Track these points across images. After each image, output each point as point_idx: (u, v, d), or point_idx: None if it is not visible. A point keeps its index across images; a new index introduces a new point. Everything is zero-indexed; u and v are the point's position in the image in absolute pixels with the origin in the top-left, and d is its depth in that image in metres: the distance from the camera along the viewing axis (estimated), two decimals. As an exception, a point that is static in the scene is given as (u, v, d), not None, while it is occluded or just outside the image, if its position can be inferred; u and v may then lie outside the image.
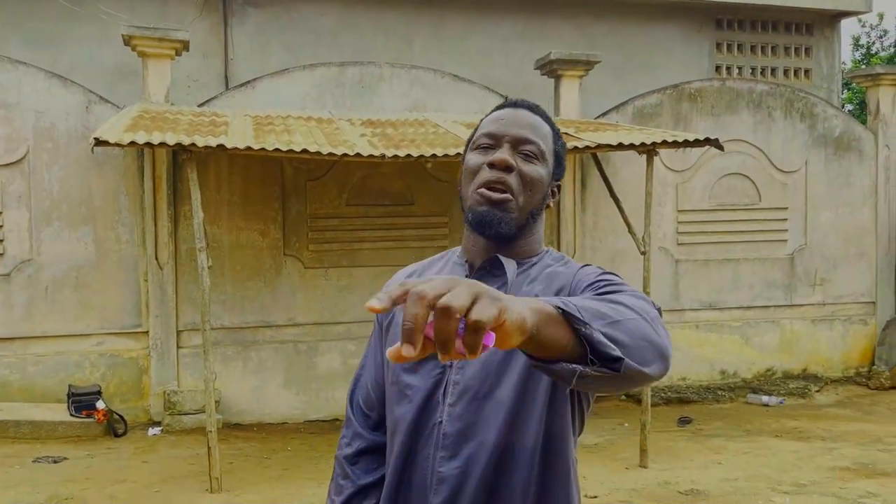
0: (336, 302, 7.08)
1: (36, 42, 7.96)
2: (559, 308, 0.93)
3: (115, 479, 5.24)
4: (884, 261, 8.58)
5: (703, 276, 8.05)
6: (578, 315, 0.94)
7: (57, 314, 6.57)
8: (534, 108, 1.41)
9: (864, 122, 8.90)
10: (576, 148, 5.64)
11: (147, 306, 6.69)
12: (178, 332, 6.73)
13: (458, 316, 0.77)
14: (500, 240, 1.34)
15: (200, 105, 6.96)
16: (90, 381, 6.55)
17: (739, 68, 10.24)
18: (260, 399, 6.90)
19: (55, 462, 5.59)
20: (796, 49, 10.44)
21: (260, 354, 6.93)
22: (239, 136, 5.43)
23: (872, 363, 8.48)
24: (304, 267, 7.01)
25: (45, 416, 6.23)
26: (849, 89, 14.77)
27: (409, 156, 5.46)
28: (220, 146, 5.08)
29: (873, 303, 8.57)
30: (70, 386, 6.40)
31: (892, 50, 16.45)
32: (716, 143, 5.87)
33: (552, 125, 1.41)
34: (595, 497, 4.88)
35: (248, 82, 7.21)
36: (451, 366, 1.32)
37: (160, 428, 6.43)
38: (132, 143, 5.01)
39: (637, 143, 5.79)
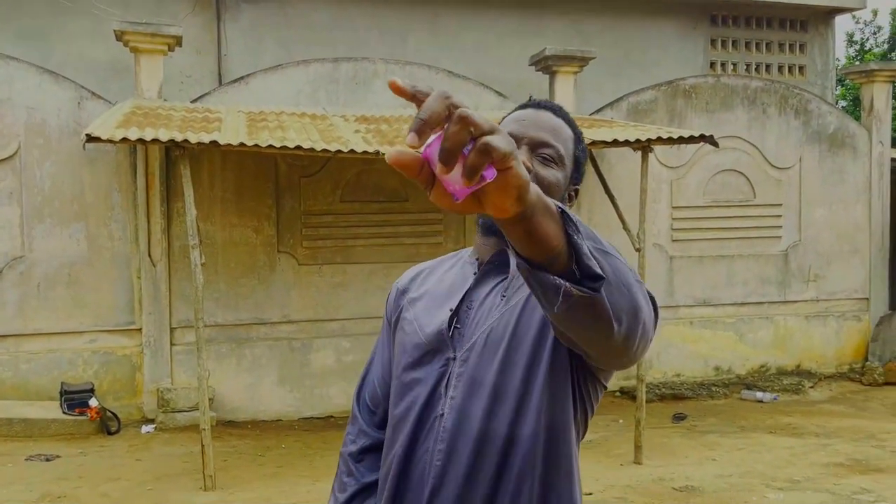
0: (330, 299, 7.06)
1: (28, 37, 7.90)
2: (559, 208, 0.92)
3: (108, 478, 5.22)
4: (877, 257, 8.60)
5: (697, 272, 8.05)
6: (575, 222, 0.92)
7: (49, 311, 6.53)
8: (557, 111, 1.38)
9: (857, 119, 8.92)
10: (570, 144, 5.62)
11: (140, 303, 6.66)
12: (172, 330, 6.70)
13: (471, 129, 0.75)
14: None
15: (193, 101, 6.92)
16: (83, 378, 6.52)
17: (734, 65, 10.24)
18: (254, 396, 6.88)
19: (48, 460, 5.56)
20: (791, 45, 10.44)
21: (254, 352, 6.91)
22: (232, 133, 5.40)
23: (866, 359, 8.50)
24: (298, 264, 6.99)
25: (37, 413, 6.20)
26: (842, 86, 14.80)
27: (403, 152, 5.43)
28: (214, 142, 5.05)
29: (867, 299, 8.59)
30: (63, 383, 6.37)
31: (885, 46, 16.48)
32: (710, 140, 5.86)
33: (575, 129, 1.39)
34: (590, 494, 4.88)
35: (242, 78, 7.18)
36: (454, 358, 1.31)
37: (153, 426, 6.40)
38: (124, 140, 4.98)
39: (632, 139, 5.78)
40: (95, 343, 6.63)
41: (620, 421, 6.68)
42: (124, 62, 7.12)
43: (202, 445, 4.97)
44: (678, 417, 6.94)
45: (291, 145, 5.19)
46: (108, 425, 6.27)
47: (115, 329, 6.66)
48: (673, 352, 7.87)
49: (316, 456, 5.75)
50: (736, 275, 8.15)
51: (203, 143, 5.05)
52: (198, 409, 5.36)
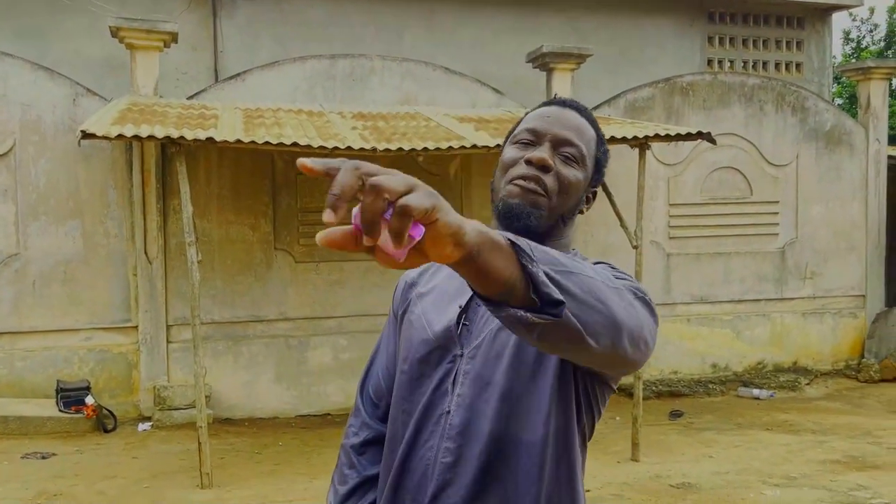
0: (327, 296, 7.05)
1: (23, 34, 7.87)
2: (510, 240, 0.90)
3: (104, 475, 5.20)
4: (873, 254, 8.62)
5: (694, 269, 8.06)
6: (527, 250, 0.90)
7: (45, 309, 6.51)
8: (582, 111, 1.37)
9: (854, 116, 8.92)
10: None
11: (136, 301, 6.64)
12: (168, 327, 6.68)
13: (386, 196, 0.74)
14: (527, 235, 1.31)
15: (189, 98, 6.90)
16: (79, 376, 6.50)
17: (731, 62, 10.25)
18: (251, 394, 6.86)
19: (44, 458, 5.54)
20: (788, 43, 10.45)
21: (251, 349, 6.89)
22: (229, 129, 5.38)
23: (862, 356, 8.52)
24: (294, 261, 6.97)
25: (33, 411, 6.18)
26: (839, 83, 14.82)
27: (400, 149, 5.43)
28: (210, 139, 5.04)
29: (863, 296, 8.60)
30: (59, 381, 6.35)
31: (882, 44, 16.50)
32: (708, 137, 5.86)
33: (598, 131, 1.38)
34: (587, 491, 4.85)
35: (238, 75, 7.15)
36: (461, 355, 1.30)
37: (150, 423, 6.39)
38: (120, 137, 4.97)
39: (629, 136, 5.78)
40: (91, 341, 6.61)
41: (617, 418, 6.68)
42: (120, 59, 7.09)
43: (199, 443, 4.96)
44: (675, 414, 6.95)
45: (288, 142, 5.18)
46: (104, 423, 6.25)
47: (112, 326, 6.64)
48: (670, 349, 7.87)
49: (313, 453, 5.74)
50: (733, 272, 8.16)
51: (199, 140, 5.04)
52: (194, 407, 5.34)
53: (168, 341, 6.67)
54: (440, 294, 1.39)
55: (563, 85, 7.57)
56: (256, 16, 8.69)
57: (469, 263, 0.85)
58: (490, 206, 1.35)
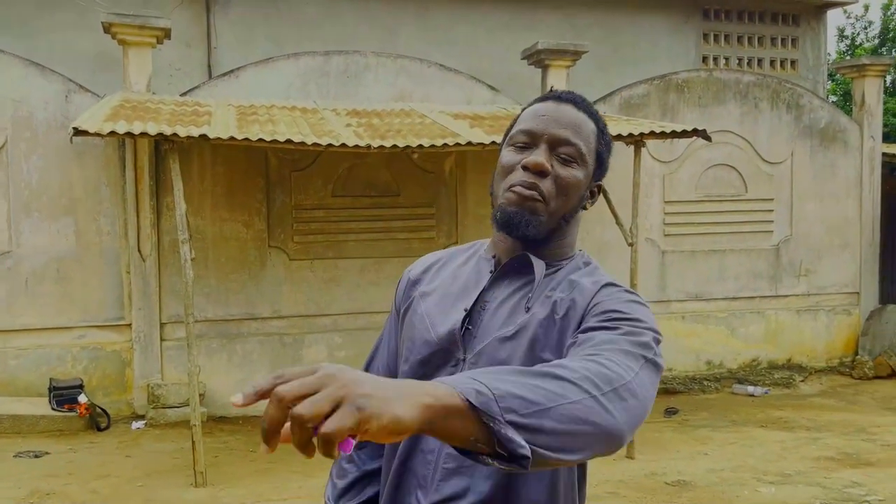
0: (322, 294, 7.03)
1: (14, 30, 7.82)
2: (468, 401, 0.84)
3: (97, 474, 5.18)
4: (868, 251, 8.63)
5: (689, 267, 8.06)
6: (490, 406, 0.85)
7: (38, 307, 6.47)
8: (579, 103, 1.31)
9: (848, 114, 8.93)
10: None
11: (130, 299, 6.60)
12: (162, 325, 6.65)
13: (309, 426, 0.74)
14: (528, 241, 1.29)
15: (183, 94, 6.86)
16: (72, 374, 6.47)
17: (726, 59, 10.25)
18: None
19: (37, 457, 5.51)
20: (783, 40, 10.45)
21: (245, 347, 6.87)
22: (222, 126, 5.35)
23: (856, 353, 8.54)
24: (289, 259, 6.95)
25: (26, 410, 6.15)
26: (833, 80, 14.83)
27: (395, 146, 5.41)
28: (203, 136, 5.01)
29: (857, 293, 8.62)
30: (52, 380, 6.31)
31: (876, 41, 16.53)
32: (703, 134, 5.86)
33: (598, 122, 1.33)
34: (582, 489, 4.87)
35: (232, 71, 7.11)
36: (464, 360, 1.28)
37: (144, 422, 6.36)
38: (112, 133, 4.93)
39: (624, 133, 5.76)
40: (84, 339, 6.57)
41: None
42: (112, 55, 7.05)
43: (193, 441, 4.94)
44: (670, 412, 6.96)
45: (282, 139, 5.15)
46: (97, 421, 6.22)
47: (105, 324, 6.61)
48: (665, 346, 7.71)
49: (307, 452, 5.72)
50: (728, 269, 8.17)
51: (192, 137, 5.01)
52: (188, 405, 5.32)
53: (162, 339, 6.64)
54: (444, 295, 1.36)
55: (558, 82, 7.55)
56: (250, 12, 8.65)
57: (423, 433, 0.82)
58: (485, 204, 1.34)
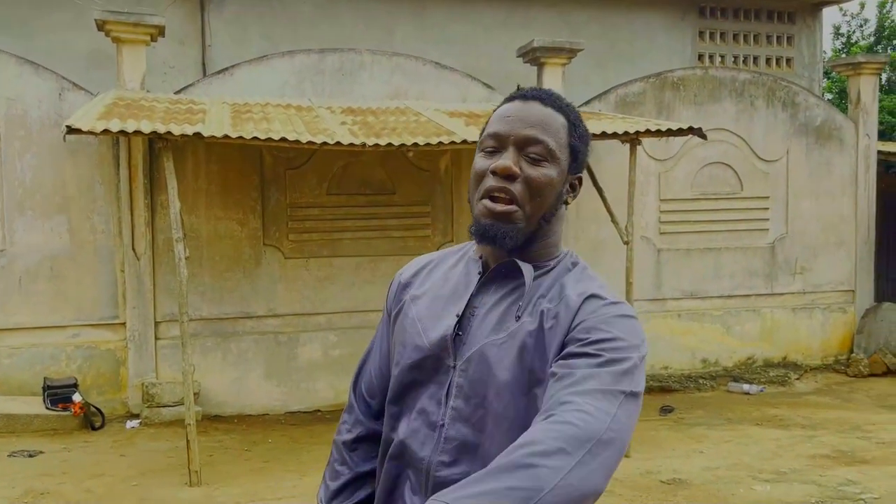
0: (317, 292, 7.01)
1: (8, 28, 7.78)
2: None
3: (92, 473, 5.16)
4: (863, 249, 8.64)
5: (685, 265, 8.06)
6: None
7: (31, 306, 6.44)
8: (545, 99, 1.29)
9: (844, 112, 8.94)
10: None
11: (124, 297, 6.58)
12: (157, 324, 6.63)
13: None
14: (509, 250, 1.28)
15: (177, 92, 6.83)
16: (66, 373, 6.45)
17: (722, 57, 10.25)
18: (240, 391, 6.82)
19: (31, 456, 5.49)
20: (778, 38, 10.46)
21: (240, 346, 6.85)
22: (216, 124, 5.33)
23: (851, 351, 8.56)
24: (284, 257, 6.93)
25: (20, 409, 6.12)
26: (829, 78, 14.85)
27: (390, 144, 5.39)
28: (197, 134, 4.99)
29: (852, 291, 8.63)
30: (45, 378, 6.29)
31: (872, 39, 16.55)
32: (699, 132, 5.85)
33: (569, 115, 1.30)
34: (577, 487, 4.86)
35: (226, 69, 7.08)
36: (453, 367, 1.27)
37: (138, 421, 6.34)
38: (105, 132, 4.90)
39: (620, 132, 5.76)
40: (79, 337, 6.55)
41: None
42: (106, 53, 7.02)
43: (187, 440, 4.92)
44: (665, 410, 6.96)
45: (276, 137, 5.13)
46: (91, 421, 6.20)
47: (99, 323, 6.58)
48: (660, 344, 7.87)
49: (303, 450, 5.71)
50: (723, 267, 8.17)
51: (186, 136, 4.99)
52: (183, 404, 5.30)
53: (156, 338, 6.62)
54: (435, 299, 1.35)
55: (554, 80, 7.54)
56: (245, 10, 8.62)
57: None
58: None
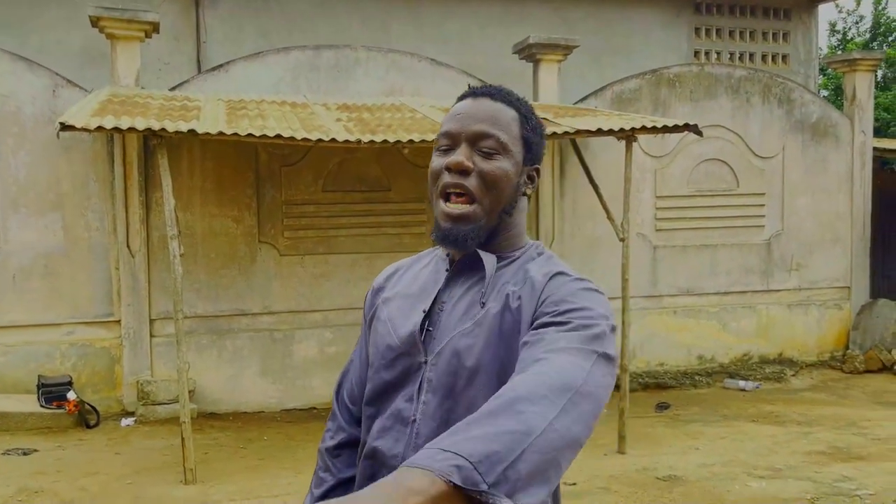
0: (312, 289, 7.00)
1: (1, 25, 7.73)
2: (452, 482, 0.85)
3: (86, 472, 5.14)
4: (859, 246, 8.65)
5: (680, 261, 8.06)
6: (475, 481, 0.86)
7: (25, 303, 6.42)
8: (495, 94, 1.31)
9: (840, 108, 8.94)
10: (554, 134, 5.58)
11: (119, 295, 6.56)
12: (151, 321, 6.61)
13: None
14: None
15: (172, 89, 6.80)
16: (61, 371, 6.42)
17: (718, 53, 10.24)
18: (235, 388, 6.81)
19: (25, 454, 5.47)
20: (774, 34, 10.45)
21: (235, 343, 6.83)
22: (211, 121, 5.31)
23: (847, 347, 8.57)
24: (279, 254, 6.91)
25: (14, 407, 6.10)
26: (825, 75, 14.86)
27: (385, 141, 5.37)
28: (192, 131, 4.96)
29: (848, 287, 8.65)
30: (40, 376, 6.27)
31: (867, 35, 16.56)
32: (695, 129, 5.84)
33: (520, 108, 1.32)
34: (574, 484, 4.87)
35: (221, 66, 7.06)
36: (425, 362, 1.28)
37: (133, 419, 6.32)
38: (99, 129, 4.88)
39: (616, 128, 5.74)
40: (73, 335, 6.52)
41: (604, 411, 6.68)
42: (100, 49, 6.99)
43: (182, 438, 4.91)
44: (661, 407, 6.96)
45: (271, 134, 5.11)
46: (86, 419, 6.18)
47: (94, 321, 6.56)
48: (656, 341, 7.88)
49: (298, 448, 5.70)
50: (719, 264, 8.17)
51: (181, 132, 4.96)
52: (178, 402, 5.29)
53: (151, 335, 6.60)
54: (404, 298, 1.38)
55: (549, 76, 7.53)
56: (240, 6, 8.58)
57: None
58: None
